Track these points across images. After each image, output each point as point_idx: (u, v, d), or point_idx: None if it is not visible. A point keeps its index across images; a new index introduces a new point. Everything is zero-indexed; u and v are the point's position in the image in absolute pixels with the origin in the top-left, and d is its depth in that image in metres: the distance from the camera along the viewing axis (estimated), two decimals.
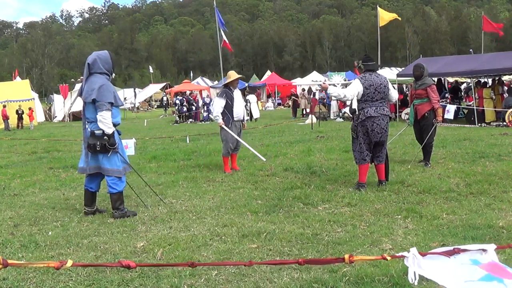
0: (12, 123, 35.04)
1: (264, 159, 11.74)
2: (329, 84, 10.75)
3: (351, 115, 9.12)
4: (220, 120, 11.44)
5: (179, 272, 5.17)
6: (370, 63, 9.30)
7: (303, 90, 37.83)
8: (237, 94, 11.67)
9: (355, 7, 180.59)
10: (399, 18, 32.85)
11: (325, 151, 14.06)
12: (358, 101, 9.08)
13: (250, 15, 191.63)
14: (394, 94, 9.44)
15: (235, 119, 11.52)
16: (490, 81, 26.52)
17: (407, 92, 26.86)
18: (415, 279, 2.46)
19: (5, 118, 34.51)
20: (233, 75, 11.82)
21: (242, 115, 11.72)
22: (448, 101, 25.02)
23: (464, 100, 30.26)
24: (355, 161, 9.39)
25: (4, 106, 35.20)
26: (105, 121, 7.46)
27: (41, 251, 6.17)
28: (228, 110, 11.46)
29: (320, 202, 8.29)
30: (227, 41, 30.42)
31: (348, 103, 18.94)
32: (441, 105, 23.42)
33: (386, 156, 9.52)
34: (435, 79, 24.96)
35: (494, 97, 22.92)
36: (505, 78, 30.50)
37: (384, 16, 31.44)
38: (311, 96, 35.08)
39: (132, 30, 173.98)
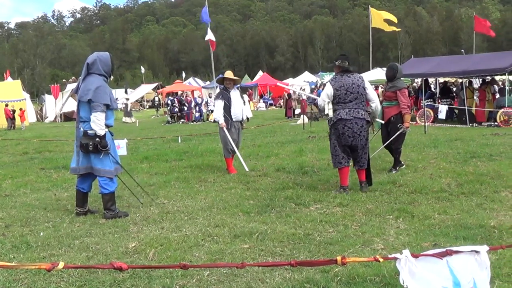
0: (4, 124, 34.98)
1: (248, 169, 11.44)
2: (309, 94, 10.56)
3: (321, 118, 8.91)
4: (222, 121, 11.44)
5: (171, 272, 5.16)
6: (346, 62, 8.89)
7: (294, 93, 37.72)
8: (234, 94, 11.62)
9: (347, 7, 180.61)
10: (396, 29, 32.81)
11: (317, 151, 14.05)
12: (332, 103, 8.79)
13: (242, 15, 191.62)
14: (372, 95, 9.01)
15: (233, 119, 11.51)
16: (480, 81, 26.68)
17: None
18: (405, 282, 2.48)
19: (9, 117, 34.82)
20: (226, 73, 11.87)
21: (241, 115, 11.69)
22: (438, 102, 25.08)
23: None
24: (332, 164, 9.19)
25: (13, 107, 35.67)
26: (98, 122, 7.46)
27: (33, 251, 6.15)
28: (226, 111, 11.46)
29: (312, 202, 8.29)
30: (212, 39, 30.56)
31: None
32: (431, 105, 23.58)
33: (368, 161, 9.17)
34: (419, 80, 25.10)
35: (476, 98, 23.05)
36: (497, 78, 30.61)
37: (378, 19, 31.51)
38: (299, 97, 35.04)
39: (124, 30, 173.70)
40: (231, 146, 11.44)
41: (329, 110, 8.80)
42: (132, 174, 9.34)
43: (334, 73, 9.36)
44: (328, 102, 8.82)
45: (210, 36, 31.12)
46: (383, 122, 10.90)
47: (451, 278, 2.69)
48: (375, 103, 9.10)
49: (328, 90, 8.77)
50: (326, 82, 9.10)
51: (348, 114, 8.66)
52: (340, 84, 8.70)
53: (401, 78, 11.32)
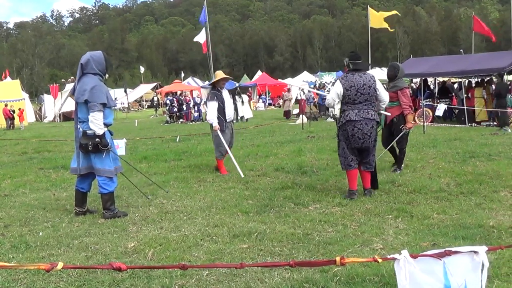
0: (3, 124, 34.98)
1: (243, 176, 10.92)
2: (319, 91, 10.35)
3: (333, 119, 8.86)
4: (216, 124, 11.28)
5: (170, 272, 5.16)
6: (358, 61, 8.58)
7: (289, 90, 37.62)
8: (225, 94, 11.53)
9: (346, 7, 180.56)
10: (390, 29, 32.99)
11: (316, 151, 14.04)
12: (341, 103, 8.48)
13: (241, 15, 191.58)
14: (384, 95, 8.71)
15: (227, 120, 11.45)
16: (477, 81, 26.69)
17: None
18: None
19: (8, 116, 34.92)
20: (218, 74, 11.70)
21: (233, 115, 11.63)
22: (437, 102, 25.08)
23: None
24: (341, 166, 8.92)
25: (12, 107, 35.94)
26: (96, 122, 7.45)
27: (32, 251, 6.14)
28: (220, 112, 11.30)
29: (311, 202, 8.29)
30: (201, 41, 30.52)
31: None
32: (429, 104, 23.55)
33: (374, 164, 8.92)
34: (418, 80, 25.02)
35: (486, 96, 22.97)
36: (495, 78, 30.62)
37: (377, 19, 31.58)
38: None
39: (123, 30, 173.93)
40: (225, 148, 11.36)
41: (337, 110, 8.54)
42: (131, 174, 9.33)
43: (332, 72, 9.29)
44: (338, 102, 8.52)
45: (200, 37, 30.90)
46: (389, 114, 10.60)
47: (443, 281, 2.70)
48: (386, 104, 8.96)
49: (338, 89, 8.42)
50: (336, 80, 8.82)
51: (357, 115, 8.36)
52: (351, 84, 8.35)
53: (402, 78, 11.14)
